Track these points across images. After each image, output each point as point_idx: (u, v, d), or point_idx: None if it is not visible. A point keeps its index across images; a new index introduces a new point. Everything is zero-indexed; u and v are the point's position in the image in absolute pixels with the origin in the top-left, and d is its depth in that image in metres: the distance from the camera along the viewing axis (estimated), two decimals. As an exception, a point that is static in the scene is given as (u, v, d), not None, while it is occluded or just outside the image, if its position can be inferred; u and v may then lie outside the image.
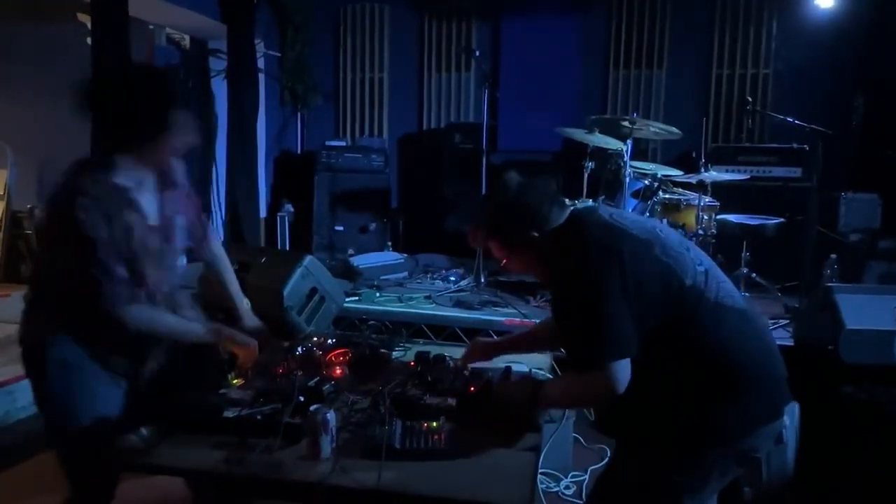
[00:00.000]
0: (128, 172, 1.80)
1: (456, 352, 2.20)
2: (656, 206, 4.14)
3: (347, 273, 4.45)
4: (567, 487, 2.86)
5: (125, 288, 1.76)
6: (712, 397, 1.60)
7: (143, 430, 1.66)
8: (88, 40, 4.75)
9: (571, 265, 1.65)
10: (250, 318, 2.18)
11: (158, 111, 1.77)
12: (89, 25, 4.77)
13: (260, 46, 5.92)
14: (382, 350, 2.22)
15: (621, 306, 1.57)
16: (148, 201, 1.86)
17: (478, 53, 5.42)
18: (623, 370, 1.58)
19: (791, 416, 2.58)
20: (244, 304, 2.21)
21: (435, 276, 4.69)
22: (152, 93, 1.79)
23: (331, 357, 2.12)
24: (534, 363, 2.22)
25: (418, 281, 4.62)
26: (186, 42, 6.01)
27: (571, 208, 1.76)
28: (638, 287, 1.58)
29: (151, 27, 5.59)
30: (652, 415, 1.67)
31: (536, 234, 1.71)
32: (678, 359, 1.62)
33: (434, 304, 3.95)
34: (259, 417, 1.69)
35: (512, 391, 1.83)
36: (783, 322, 3.55)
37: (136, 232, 1.78)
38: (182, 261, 2.01)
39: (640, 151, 5.13)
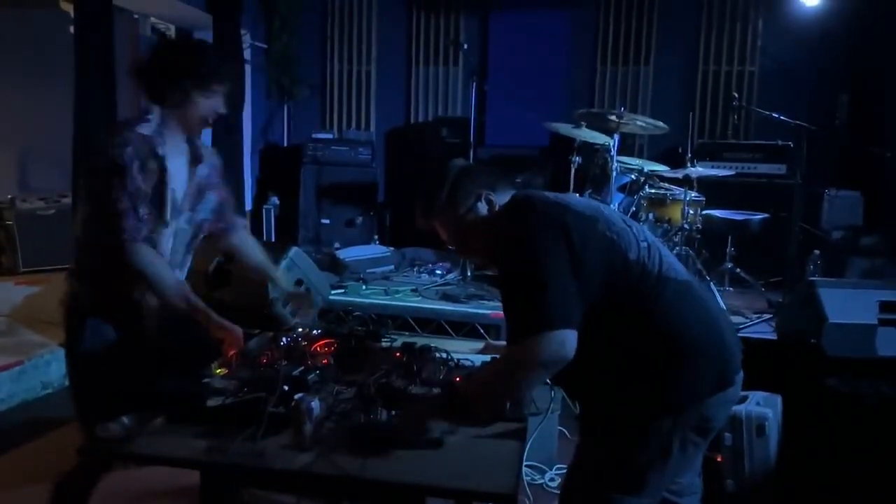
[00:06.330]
0: (157, 129, 1.91)
1: (442, 343, 2.19)
2: (642, 201, 4.15)
3: (333, 266, 4.42)
4: (552, 479, 2.87)
5: (144, 226, 1.85)
6: (657, 367, 1.62)
7: (125, 419, 1.63)
8: (71, 29, 4.69)
9: (515, 233, 1.64)
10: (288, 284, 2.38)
11: (193, 65, 1.92)
12: (72, 14, 4.71)
13: (246, 37, 5.87)
14: (369, 340, 2.20)
15: (565, 276, 1.55)
16: (177, 166, 1.95)
17: (466, 47, 5.40)
18: (569, 339, 1.51)
19: (774, 408, 2.62)
20: (277, 272, 2.38)
21: (421, 269, 4.68)
22: (192, 50, 1.97)
23: (316, 347, 2.10)
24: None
25: (405, 274, 4.61)
26: (172, 32, 5.94)
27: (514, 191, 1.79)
28: (582, 261, 1.57)
29: (136, 16, 5.52)
30: (604, 391, 1.68)
31: (487, 193, 1.73)
32: (625, 332, 1.63)
33: (420, 297, 3.95)
34: (243, 406, 1.67)
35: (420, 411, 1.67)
36: (767, 316, 3.58)
37: (162, 182, 1.89)
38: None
39: (626, 147, 5.16)
